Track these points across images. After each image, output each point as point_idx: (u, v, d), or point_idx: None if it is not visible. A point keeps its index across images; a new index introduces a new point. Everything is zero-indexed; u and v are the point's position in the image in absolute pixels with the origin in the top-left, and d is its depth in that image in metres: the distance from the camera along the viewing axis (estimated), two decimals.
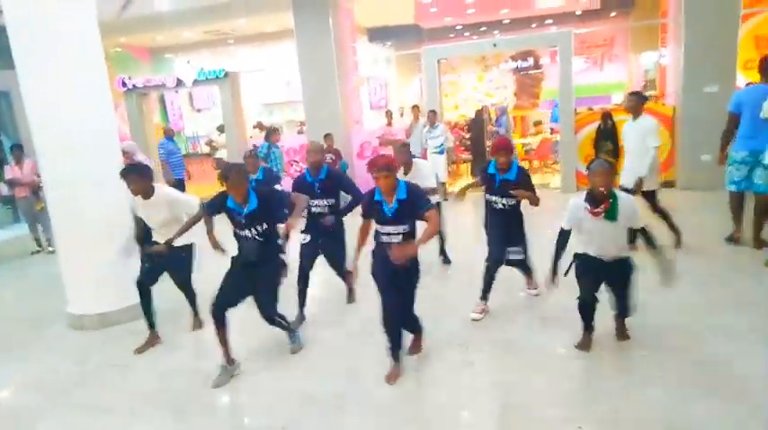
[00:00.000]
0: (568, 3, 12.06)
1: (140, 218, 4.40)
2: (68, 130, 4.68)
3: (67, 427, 3.44)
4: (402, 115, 13.73)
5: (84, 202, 4.75)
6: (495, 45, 10.17)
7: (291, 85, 13.01)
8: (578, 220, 3.53)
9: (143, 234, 4.51)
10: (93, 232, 4.76)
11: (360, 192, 4.46)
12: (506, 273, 4.81)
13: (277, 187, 5.47)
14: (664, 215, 5.49)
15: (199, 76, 11.05)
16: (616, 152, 8.16)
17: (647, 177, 5.22)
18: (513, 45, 11.61)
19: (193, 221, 4.02)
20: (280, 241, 3.87)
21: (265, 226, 3.74)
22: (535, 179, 4.57)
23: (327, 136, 9.17)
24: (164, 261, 4.30)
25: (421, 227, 3.57)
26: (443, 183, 8.96)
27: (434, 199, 4.54)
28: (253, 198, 3.71)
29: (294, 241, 4.47)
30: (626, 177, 5.41)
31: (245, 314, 4.02)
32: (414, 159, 5.06)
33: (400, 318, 3.56)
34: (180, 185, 9.01)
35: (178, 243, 4.26)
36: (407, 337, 3.82)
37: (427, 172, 5.08)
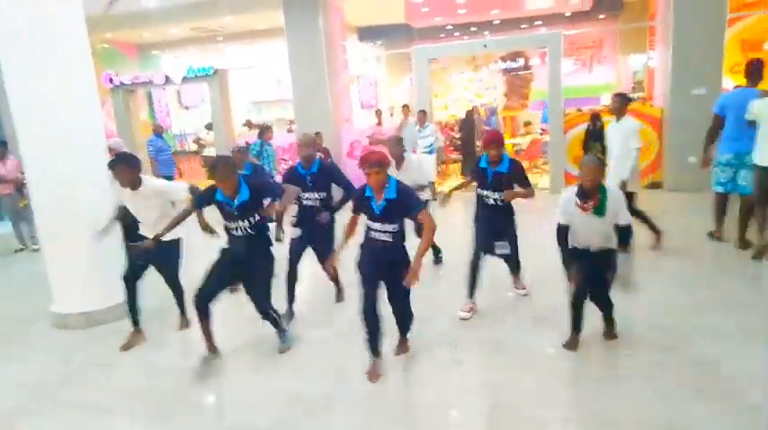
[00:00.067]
0: (558, 4, 12.12)
1: (125, 209, 4.33)
2: (54, 127, 4.60)
3: (51, 427, 3.38)
4: (392, 115, 13.71)
5: (70, 200, 4.67)
6: (485, 45, 10.20)
7: (281, 83, 12.94)
8: (569, 212, 3.55)
9: (129, 223, 4.42)
10: (78, 230, 4.68)
11: (352, 185, 4.44)
12: (494, 273, 4.83)
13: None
14: (642, 217, 5.54)
15: (188, 73, 10.96)
16: (605, 153, 8.20)
17: (630, 179, 5.25)
18: (503, 46, 11.65)
19: (182, 217, 3.97)
20: (270, 230, 3.89)
21: (257, 217, 3.74)
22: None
23: (317, 134, 9.12)
24: (151, 256, 4.23)
25: (409, 225, 3.58)
26: (432, 183, 8.97)
27: (423, 196, 4.53)
28: (244, 189, 3.71)
29: (287, 230, 4.51)
30: (611, 179, 5.44)
31: (233, 314, 4.00)
32: (406, 154, 5.07)
33: (378, 311, 3.53)
34: None
35: (166, 238, 4.21)
36: (393, 336, 3.82)
37: (420, 167, 5.12)
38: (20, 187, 7.56)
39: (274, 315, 3.96)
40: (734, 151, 5.35)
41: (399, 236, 3.50)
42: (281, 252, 4.23)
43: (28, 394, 3.76)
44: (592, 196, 3.44)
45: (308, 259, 4.69)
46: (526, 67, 14.95)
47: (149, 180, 4.29)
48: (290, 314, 4.63)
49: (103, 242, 4.52)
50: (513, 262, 4.64)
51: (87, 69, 4.85)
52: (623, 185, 5.23)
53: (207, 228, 4.28)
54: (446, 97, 15.44)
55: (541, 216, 5.75)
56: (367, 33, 14.44)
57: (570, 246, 3.65)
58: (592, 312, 3.77)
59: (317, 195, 4.51)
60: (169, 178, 9.25)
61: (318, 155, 4.85)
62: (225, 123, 11.11)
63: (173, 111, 14.94)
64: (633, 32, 13.17)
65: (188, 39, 14.05)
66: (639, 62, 13.73)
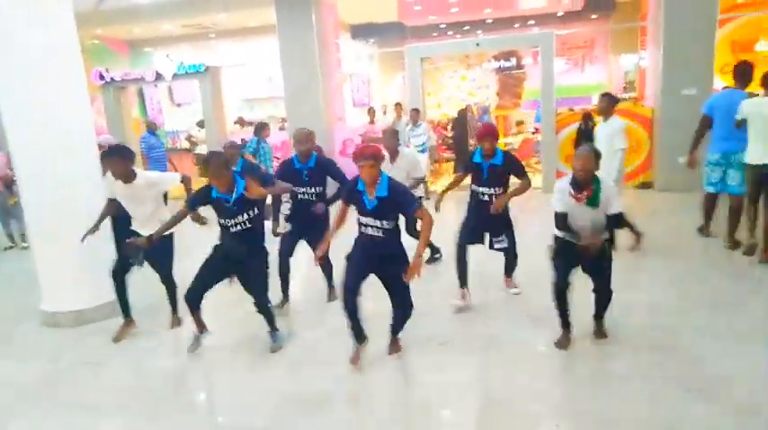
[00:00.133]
0: (550, 4, 12.16)
1: (116, 203, 4.29)
2: (43, 125, 4.53)
3: (39, 427, 3.36)
4: (385, 113, 13.69)
5: (60, 198, 4.62)
6: (477, 44, 10.21)
7: (273, 80, 12.88)
8: (564, 200, 3.55)
9: (120, 218, 4.38)
10: (68, 228, 4.62)
11: (348, 180, 4.43)
12: (486, 271, 4.84)
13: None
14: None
15: (178, 70, 10.88)
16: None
17: (617, 180, 5.27)
18: (495, 45, 11.68)
19: (177, 219, 3.92)
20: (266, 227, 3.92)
21: (256, 210, 3.75)
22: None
23: (309, 133, 9.07)
24: (145, 253, 4.21)
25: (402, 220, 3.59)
26: (426, 182, 8.97)
27: (416, 192, 4.55)
28: (240, 183, 3.70)
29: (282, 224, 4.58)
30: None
31: (223, 312, 3.99)
32: (401, 148, 5.09)
33: (357, 300, 3.56)
34: None
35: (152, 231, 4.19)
36: (385, 336, 3.82)
37: (414, 161, 5.12)
38: (9, 184, 7.48)
39: (270, 310, 3.97)
40: (721, 151, 5.41)
41: (392, 232, 3.49)
42: (272, 247, 4.23)
43: (15, 393, 3.73)
44: (585, 187, 3.45)
45: (301, 260, 4.69)
46: (519, 67, 14.98)
47: (142, 172, 4.27)
48: (285, 299, 4.71)
49: (90, 241, 4.49)
50: (512, 255, 4.65)
51: (77, 65, 4.79)
52: None
53: (198, 219, 4.28)
54: (439, 95, 15.45)
55: (534, 215, 5.78)
56: (360, 31, 14.41)
57: (560, 237, 3.65)
58: (582, 311, 3.79)
59: (313, 190, 4.51)
60: None
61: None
62: (217, 120, 11.05)
63: (164, 108, 14.83)
64: (625, 32, 13.23)
65: (180, 36, 13.95)
66: (631, 62, 13.80)
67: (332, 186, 4.55)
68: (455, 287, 4.58)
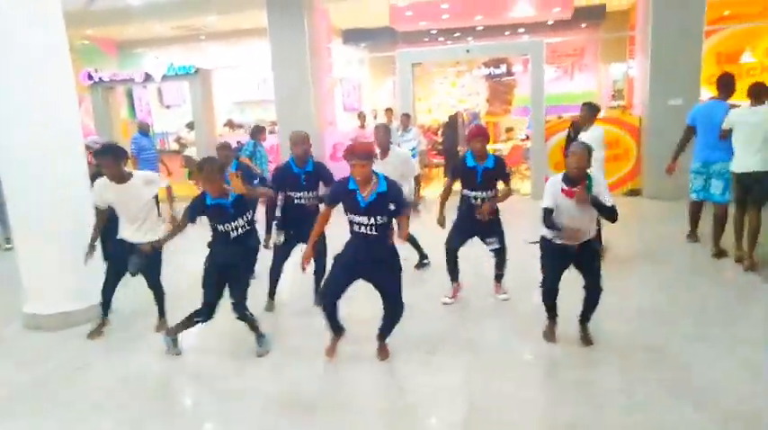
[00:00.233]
0: (541, 12, 12.24)
1: (106, 214, 4.25)
2: (29, 125, 4.47)
3: None
4: (375, 117, 13.70)
5: (45, 199, 4.56)
6: (468, 51, 10.27)
7: (264, 83, 12.84)
8: (555, 197, 3.56)
9: (102, 229, 4.32)
10: (52, 229, 4.58)
11: None
12: (475, 277, 4.85)
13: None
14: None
15: (168, 71, 10.80)
16: None
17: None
18: (486, 52, 11.75)
19: (178, 229, 3.87)
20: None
21: (252, 212, 3.77)
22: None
23: (306, 135, 9.05)
24: (133, 259, 4.20)
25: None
26: (418, 182, 8.99)
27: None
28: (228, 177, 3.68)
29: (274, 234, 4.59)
30: None
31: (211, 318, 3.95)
32: (393, 147, 5.16)
33: (337, 304, 3.65)
34: None
35: (146, 239, 4.17)
36: (373, 340, 3.81)
37: (406, 158, 5.21)
38: None
39: (251, 317, 3.94)
40: (702, 160, 5.57)
41: (385, 227, 3.48)
42: (264, 254, 4.21)
43: None
44: (578, 183, 3.47)
45: (291, 262, 4.67)
46: (509, 74, 15.07)
47: (136, 172, 4.26)
48: (272, 300, 4.75)
49: (76, 242, 4.44)
50: (502, 256, 4.69)
51: (65, 65, 4.73)
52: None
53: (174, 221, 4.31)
54: (429, 101, 15.50)
55: (523, 221, 5.80)
56: (351, 36, 14.43)
57: (549, 239, 3.66)
58: (569, 317, 3.81)
59: (310, 194, 4.50)
60: None
61: None
62: (206, 123, 10.99)
63: (154, 109, 14.73)
64: (614, 41, 13.38)
65: (170, 37, 13.87)
66: (620, 71, 13.94)
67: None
68: (443, 292, 4.62)
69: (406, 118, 9.21)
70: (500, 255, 4.66)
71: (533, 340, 3.94)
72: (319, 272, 4.66)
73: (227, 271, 3.81)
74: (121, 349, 4.25)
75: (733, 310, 4.36)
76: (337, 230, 3.85)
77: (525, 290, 4.79)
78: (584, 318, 3.83)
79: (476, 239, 4.61)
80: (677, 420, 2.98)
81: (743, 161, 5.08)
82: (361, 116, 10.97)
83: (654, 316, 4.32)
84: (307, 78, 10.01)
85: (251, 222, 3.81)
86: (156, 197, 4.35)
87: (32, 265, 4.73)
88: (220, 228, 3.72)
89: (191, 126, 11.65)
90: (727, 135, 5.20)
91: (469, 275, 4.75)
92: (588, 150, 3.48)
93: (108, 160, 3.98)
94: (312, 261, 3.86)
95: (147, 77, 10.95)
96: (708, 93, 8.74)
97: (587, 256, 3.66)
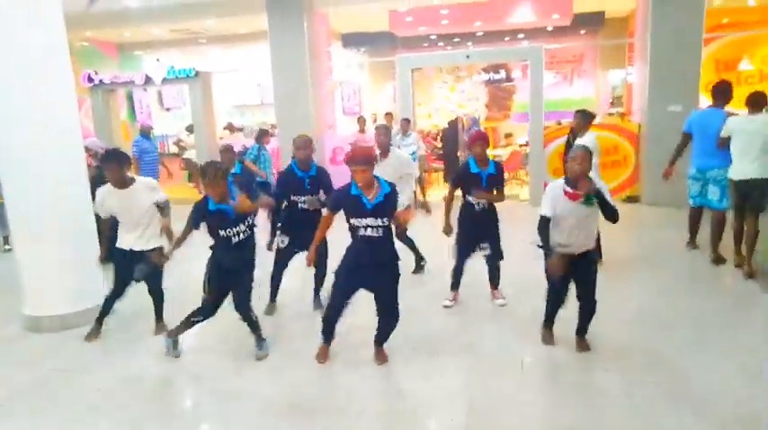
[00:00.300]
0: (540, 19, 12.30)
1: (107, 221, 4.24)
2: (29, 126, 4.48)
3: None
4: (375, 122, 13.73)
5: (44, 200, 4.56)
6: (468, 56, 10.31)
7: (263, 87, 12.86)
8: (555, 203, 3.54)
9: (110, 234, 4.32)
10: (52, 230, 4.58)
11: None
12: (473, 282, 4.85)
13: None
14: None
15: (168, 74, 10.82)
16: None
17: None
18: (485, 57, 11.79)
19: (185, 235, 3.85)
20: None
21: (254, 217, 3.79)
22: (506, 190, 4.75)
23: (309, 139, 9.06)
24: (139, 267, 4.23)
25: None
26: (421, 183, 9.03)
27: (407, 192, 4.67)
28: (235, 191, 3.71)
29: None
30: None
31: (205, 322, 3.96)
32: (393, 149, 5.21)
33: (342, 313, 3.71)
34: None
35: (149, 246, 4.19)
36: (370, 344, 3.82)
37: (406, 158, 5.28)
38: None
39: (255, 318, 3.96)
40: (697, 167, 5.65)
41: (388, 229, 3.55)
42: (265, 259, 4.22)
43: None
44: (581, 186, 3.45)
45: (293, 266, 4.68)
46: (508, 79, 15.13)
47: (140, 178, 4.28)
48: (273, 303, 4.77)
49: (76, 243, 4.44)
50: (495, 264, 4.70)
51: (65, 67, 4.73)
52: None
53: (170, 235, 4.25)
54: (429, 106, 15.54)
55: (522, 226, 5.81)
56: (351, 40, 14.47)
57: (553, 248, 3.65)
58: (568, 321, 3.82)
59: (313, 198, 4.49)
60: None
61: None
62: (206, 126, 11.00)
63: (154, 112, 14.75)
64: (613, 48, 13.45)
65: (170, 40, 13.89)
66: (619, 77, 14.01)
67: None
68: (443, 294, 4.65)
69: (406, 122, 9.22)
70: (493, 262, 4.69)
71: (533, 343, 3.96)
72: (320, 275, 4.67)
73: (231, 276, 3.81)
74: (121, 350, 4.25)
75: (731, 316, 4.37)
76: (339, 235, 3.85)
77: (525, 293, 4.81)
78: (582, 329, 3.84)
79: None
80: (675, 425, 2.99)
81: (740, 169, 5.12)
82: (361, 120, 10.97)
83: (652, 321, 4.33)
84: (306, 82, 10.03)
85: (252, 227, 3.82)
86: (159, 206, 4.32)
87: (31, 266, 4.72)
88: (222, 233, 3.71)
89: (190, 129, 11.66)
90: (725, 143, 5.25)
91: (470, 278, 4.75)
92: (590, 153, 3.49)
93: (112, 165, 3.99)
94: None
95: (148, 80, 10.96)
96: (707, 100, 8.80)
97: (584, 266, 3.65)
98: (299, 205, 4.47)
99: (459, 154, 10.59)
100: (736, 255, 5.34)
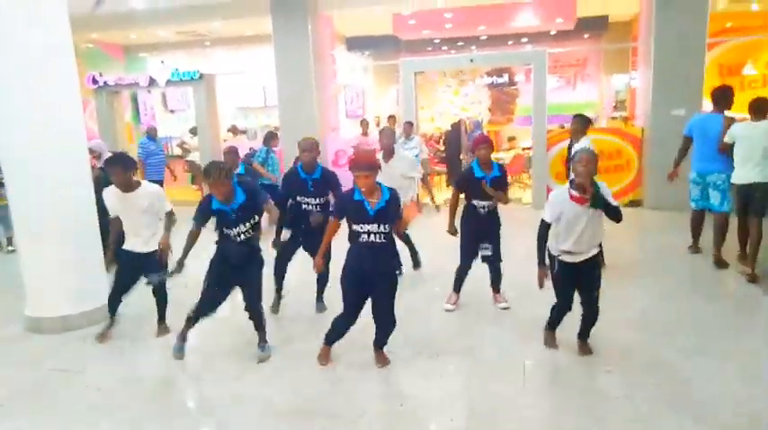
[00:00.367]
0: (543, 23, 12.30)
1: (118, 222, 4.24)
2: (33, 127, 4.49)
3: None
4: (378, 125, 13.75)
5: (46, 200, 4.57)
6: (471, 60, 10.32)
7: (267, 89, 12.90)
8: (560, 209, 3.51)
9: (118, 239, 4.32)
10: (55, 231, 4.59)
11: None
12: (476, 285, 4.85)
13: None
14: None
15: (173, 76, 10.86)
16: None
17: None
18: (489, 61, 11.80)
19: (193, 238, 3.84)
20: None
21: (257, 217, 3.80)
22: (509, 194, 4.75)
23: (315, 142, 9.08)
24: (143, 268, 4.25)
25: None
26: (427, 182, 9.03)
27: (409, 192, 4.70)
28: (239, 192, 3.73)
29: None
30: None
31: (211, 320, 3.96)
32: (396, 149, 5.24)
33: (354, 322, 3.72)
34: None
35: (151, 248, 4.20)
36: (368, 349, 3.82)
37: (410, 160, 5.31)
38: None
39: (263, 318, 4.00)
40: (697, 170, 5.69)
41: (389, 236, 3.56)
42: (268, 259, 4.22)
43: None
44: (587, 189, 3.43)
45: (295, 269, 4.69)
46: (511, 83, 15.13)
47: (146, 183, 4.29)
48: (278, 302, 4.80)
49: (78, 244, 4.45)
50: (496, 266, 4.70)
51: (70, 68, 4.74)
52: None
53: (167, 248, 4.27)
54: (432, 109, 15.55)
55: (525, 230, 5.80)
56: (355, 43, 14.51)
57: (558, 257, 3.64)
58: (570, 326, 3.81)
59: (316, 200, 4.51)
60: (158, 184, 9.07)
61: None
62: (210, 128, 11.03)
63: (158, 114, 14.81)
64: (616, 52, 13.45)
65: (175, 42, 13.96)
66: (622, 82, 13.99)
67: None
68: (444, 295, 4.67)
69: (409, 126, 9.23)
70: (494, 264, 4.69)
71: (534, 346, 3.95)
72: (322, 279, 4.67)
73: (235, 272, 3.83)
74: (121, 351, 4.26)
75: (733, 320, 4.36)
76: (341, 238, 3.85)
77: (526, 296, 4.79)
78: (584, 333, 3.84)
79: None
80: (676, 429, 2.98)
81: (743, 173, 5.14)
82: (364, 123, 10.99)
83: (654, 324, 4.32)
84: (310, 84, 10.07)
85: (255, 227, 3.83)
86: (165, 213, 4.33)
87: (34, 267, 4.73)
88: (225, 231, 3.79)
89: (194, 131, 11.70)
90: (727, 148, 5.26)
91: (471, 281, 4.75)
92: (595, 155, 3.48)
93: (117, 169, 4.02)
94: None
95: (152, 82, 11.01)
96: (710, 104, 8.79)
97: (588, 272, 3.63)
98: (303, 206, 4.49)
99: (461, 157, 10.58)
100: (740, 258, 5.33)
